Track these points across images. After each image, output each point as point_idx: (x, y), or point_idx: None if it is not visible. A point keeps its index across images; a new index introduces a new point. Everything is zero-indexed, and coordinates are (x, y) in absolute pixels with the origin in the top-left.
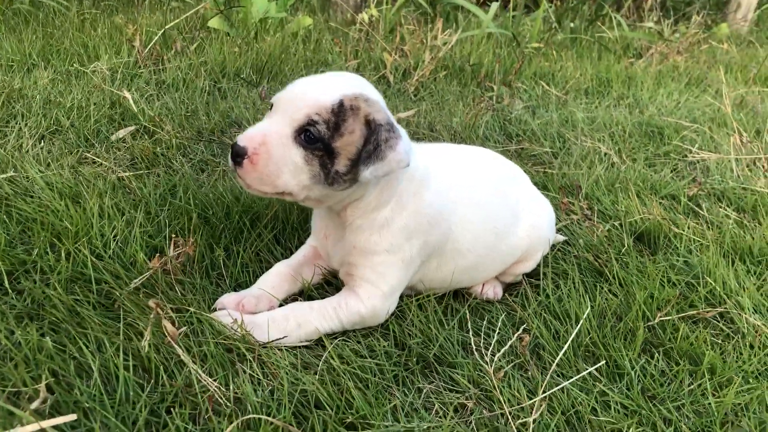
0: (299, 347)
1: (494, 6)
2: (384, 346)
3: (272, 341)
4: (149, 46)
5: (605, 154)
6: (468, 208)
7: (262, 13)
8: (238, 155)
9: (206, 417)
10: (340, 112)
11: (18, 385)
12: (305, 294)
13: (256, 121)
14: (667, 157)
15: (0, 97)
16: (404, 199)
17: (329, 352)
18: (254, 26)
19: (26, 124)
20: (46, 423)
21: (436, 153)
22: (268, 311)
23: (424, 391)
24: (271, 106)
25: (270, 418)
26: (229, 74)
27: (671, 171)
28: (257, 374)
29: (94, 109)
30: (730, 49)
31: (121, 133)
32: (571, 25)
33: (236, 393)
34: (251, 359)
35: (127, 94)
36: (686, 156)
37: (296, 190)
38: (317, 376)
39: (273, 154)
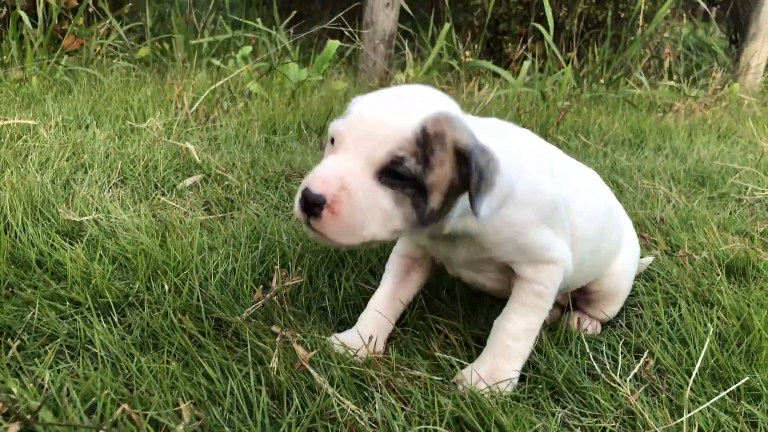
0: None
1: (525, 68)
2: None
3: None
4: (195, 106)
5: (664, 195)
6: (573, 190)
7: (299, 77)
8: (315, 204)
9: None
10: (426, 143)
11: (158, 408)
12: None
13: None
14: (723, 198)
15: (67, 149)
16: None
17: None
18: (290, 90)
19: (94, 175)
20: None
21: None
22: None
23: (559, 415)
24: (332, 140)
25: (438, 428)
26: (279, 129)
27: (730, 212)
28: (389, 399)
29: (161, 159)
30: (752, 105)
31: (189, 181)
32: (601, 81)
33: (373, 416)
34: (381, 384)
35: (190, 146)
36: (741, 199)
37: (386, 236)
38: (451, 400)
39: (358, 200)
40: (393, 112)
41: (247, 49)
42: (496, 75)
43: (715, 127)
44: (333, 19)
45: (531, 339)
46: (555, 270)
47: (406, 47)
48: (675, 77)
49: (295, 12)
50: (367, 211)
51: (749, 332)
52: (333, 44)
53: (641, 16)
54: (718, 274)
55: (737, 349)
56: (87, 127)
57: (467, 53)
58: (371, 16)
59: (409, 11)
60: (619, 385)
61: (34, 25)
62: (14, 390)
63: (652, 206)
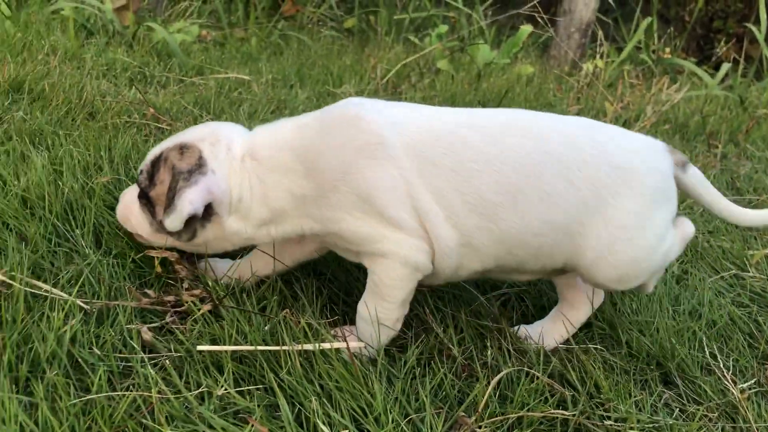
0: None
1: (723, 69)
2: (621, 353)
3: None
4: (386, 78)
5: None
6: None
7: (487, 59)
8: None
9: None
10: (156, 164)
11: (313, 317)
12: None
13: None
14: None
15: (272, 103)
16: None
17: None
18: (478, 70)
19: None
20: None
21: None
22: None
23: (664, 397)
24: None
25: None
26: (458, 107)
27: None
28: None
29: None
30: None
31: None
32: None
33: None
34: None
35: None
36: None
37: (145, 235)
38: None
39: (122, 201)
40: (161, 144)
41: (443, 28)
42: (696, 75)
43: None
44: (529, 5)
45: (384, 330)
46: (389, 264)
47: (601, 38)
48: None
49: None
50: (127, 209)
51: None
52: (525, 30)
53: None
54: None
55: None
56: (291, 86)
57: (667, 49)
58: (570, 4)
59: (611, 1)
60: (732, 382)
61: None
62: (209, 284)
63: None
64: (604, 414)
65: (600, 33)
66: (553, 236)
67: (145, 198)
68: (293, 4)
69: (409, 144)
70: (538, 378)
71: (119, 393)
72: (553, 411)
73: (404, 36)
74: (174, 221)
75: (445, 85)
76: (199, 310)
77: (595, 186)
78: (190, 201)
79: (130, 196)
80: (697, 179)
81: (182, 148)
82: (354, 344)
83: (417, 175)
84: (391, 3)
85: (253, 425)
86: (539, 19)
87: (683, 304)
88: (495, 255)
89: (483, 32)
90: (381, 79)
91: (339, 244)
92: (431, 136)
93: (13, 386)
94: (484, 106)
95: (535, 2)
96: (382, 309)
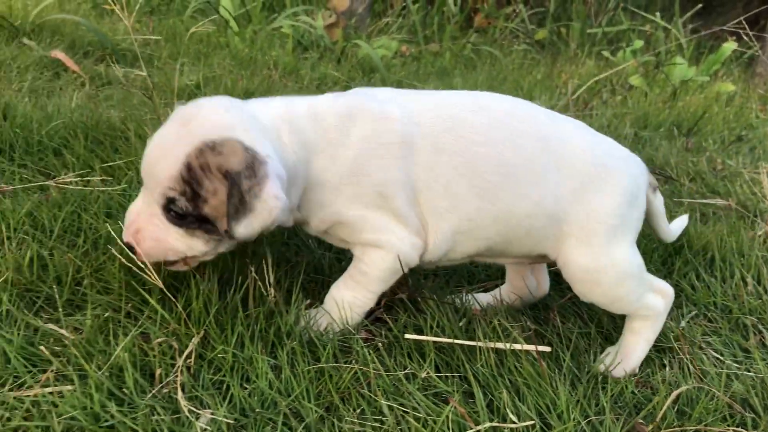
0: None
1: None
2: None
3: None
4: (577, 93)
5: None
6: (425, 167)
7: (684, 76)
8: (131, 249)
9: None
10: (192, 178)
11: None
12: None
13: (677, 168)
14: None
15: None
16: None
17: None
18: (673, 87)
19: None
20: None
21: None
22: None
23: None
24: None
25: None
26: (650, 125)
27: None
28: None
29: None
30: None
31: None
32: None
33: None
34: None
35: None
36: None
37: (199, 254)
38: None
39: (151, 237)
40: (164, 150)
41: (638, 44)
42: None
43: None
44: (734, 21)
45: (356, 313)
46: (382, 255)
47: None
48: None
49: (700, 5)
50: (164, 243)
51: None
52: (728, 47)
53: None
54: None
55: None
56: None
57: None
58: None
59: None
60: None
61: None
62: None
63: None
64: None
65: None
66: (542, 220)
67: (195, 222)
68: (485, 18)
69: (425, 139)
70: (717, 397)
71: (343, 365)
72: (732, 429)
73: (596, 50)
74: (255, 224)
75: (638, 103)
76: (401, 300)
77: (581, 178)
78: (275, 196)
79: (153, 233)
80: (659, 204)
81: (214, 147)
82: (542, 348)
83: (429, 170)
84: (585, 16)
85: (453, 406)
86: (744, 36)
87: None
88: (488, 236)
89: (681, 48)
90: (572, 95)
91: (337, 235)
92: (443, 126)
93: (263, 349)
94: (678, 127)
95: (741, 19)
96: (360, 297)
